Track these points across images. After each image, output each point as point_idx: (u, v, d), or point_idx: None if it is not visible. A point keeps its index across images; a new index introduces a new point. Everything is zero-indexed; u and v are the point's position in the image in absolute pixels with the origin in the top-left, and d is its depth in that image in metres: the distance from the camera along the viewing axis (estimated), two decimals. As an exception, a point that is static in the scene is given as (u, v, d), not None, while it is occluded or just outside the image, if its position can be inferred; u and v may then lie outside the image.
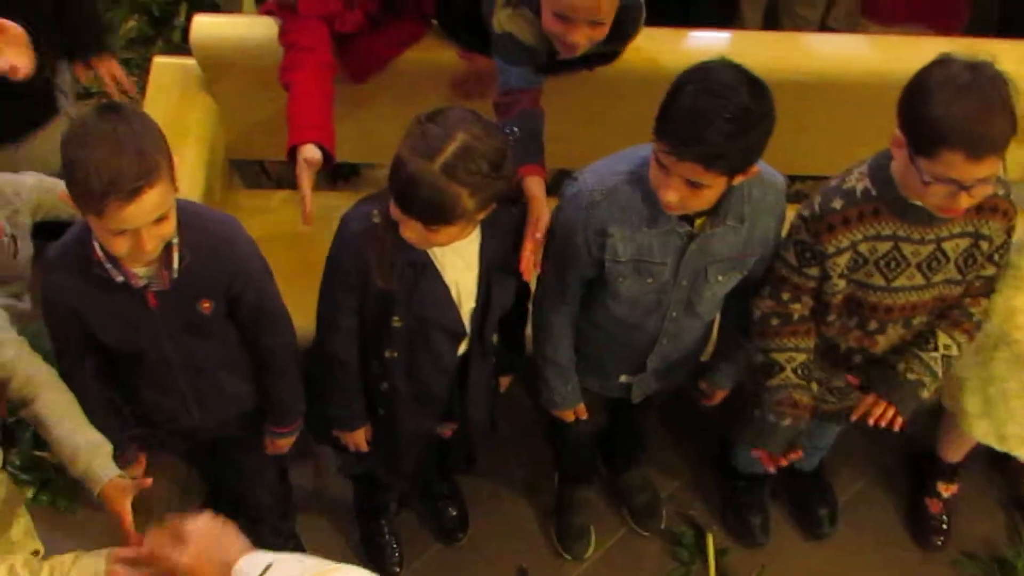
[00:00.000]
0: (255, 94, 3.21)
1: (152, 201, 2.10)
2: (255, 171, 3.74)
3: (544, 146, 2.71)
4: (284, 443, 2.80)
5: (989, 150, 2.21)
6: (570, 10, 2.58)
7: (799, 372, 2.66)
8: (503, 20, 2.75)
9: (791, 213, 2.58)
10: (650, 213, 2.41)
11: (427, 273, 2.46)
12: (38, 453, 3.29)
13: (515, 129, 2.68)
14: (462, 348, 2.66)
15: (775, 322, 2.63)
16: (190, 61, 3.25)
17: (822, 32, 3.81)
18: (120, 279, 2.29)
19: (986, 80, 2.23)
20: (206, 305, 2.40)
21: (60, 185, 2.15)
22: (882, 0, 3.75)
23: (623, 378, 2.85)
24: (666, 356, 2.76)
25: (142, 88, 3.40)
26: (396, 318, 2.53)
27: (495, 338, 2.69)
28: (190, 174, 3.05)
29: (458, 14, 3.08)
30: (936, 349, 2.65)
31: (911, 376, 2.65)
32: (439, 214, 2.25)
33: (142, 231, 2.14)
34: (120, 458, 2.48)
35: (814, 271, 2.53)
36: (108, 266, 2.28)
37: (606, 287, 2.58)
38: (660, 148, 2.27)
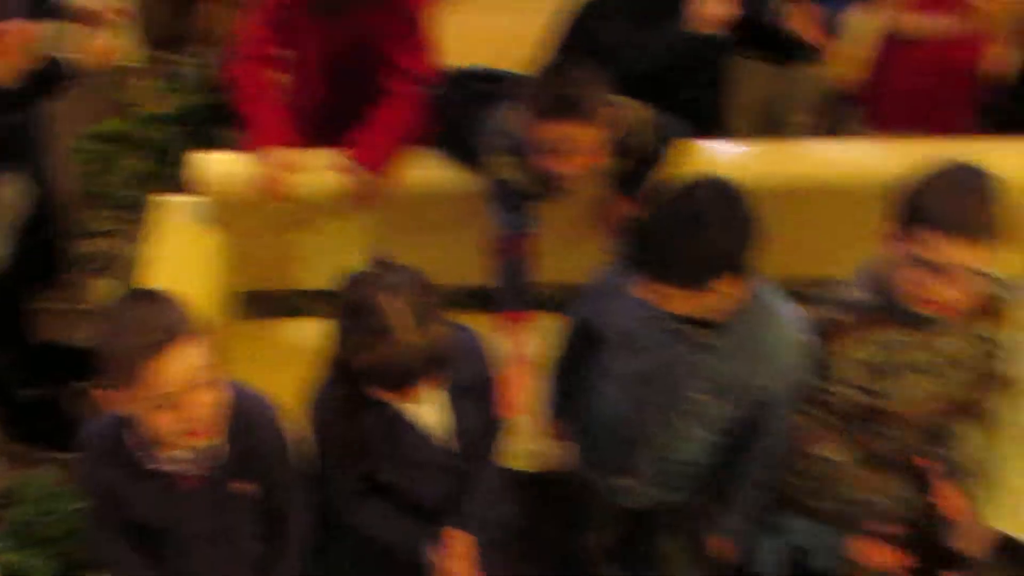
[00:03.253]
0: (260, 227, 3.26)
1: (184, 359, 2.10)
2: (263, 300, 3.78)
3: (530, 288, 2.75)
4: None
5: (964, 232, 2.26)
6: (559, 144, 2.65)
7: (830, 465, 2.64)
8: (498, 166, 2.81)
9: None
10: None
11: (402, 429, 2.47)
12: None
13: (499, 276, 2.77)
14: None
15: (807, 428, 2.62)
16: (191, 198, 3.31)
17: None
18: (152, 466, 2.30)
19: (975, 174, 2.32)
20: (240, 486, 2.41)
21: None
22: (888, 108, 3.81)
23: (620, 481, 2.83)
24: (659, 465, 2.73)
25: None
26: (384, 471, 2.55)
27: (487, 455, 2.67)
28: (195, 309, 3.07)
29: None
30: (956, 444, 2.68)
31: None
32: (437, 365, 2.28)
33: (184, 400, 2.13)
34: None
35: (827, 384, 2.55)
36: (140, 454, 2.29)
37: (603, 358, 2.61)
38: None
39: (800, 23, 3.50)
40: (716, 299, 2.35)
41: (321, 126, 3.30)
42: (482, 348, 2.57)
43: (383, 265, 2.29)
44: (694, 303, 2.35)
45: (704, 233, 2.24)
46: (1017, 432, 2.76)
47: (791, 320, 2.48)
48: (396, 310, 2.21)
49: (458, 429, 2.55)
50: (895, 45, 3.67)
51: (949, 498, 2.69)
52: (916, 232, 2.30)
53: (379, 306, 2.21)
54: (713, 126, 3.70)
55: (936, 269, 2.30)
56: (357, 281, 2.28)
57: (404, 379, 2.27)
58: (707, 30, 3.27)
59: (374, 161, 3.17)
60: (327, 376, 2.46)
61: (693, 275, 2.29)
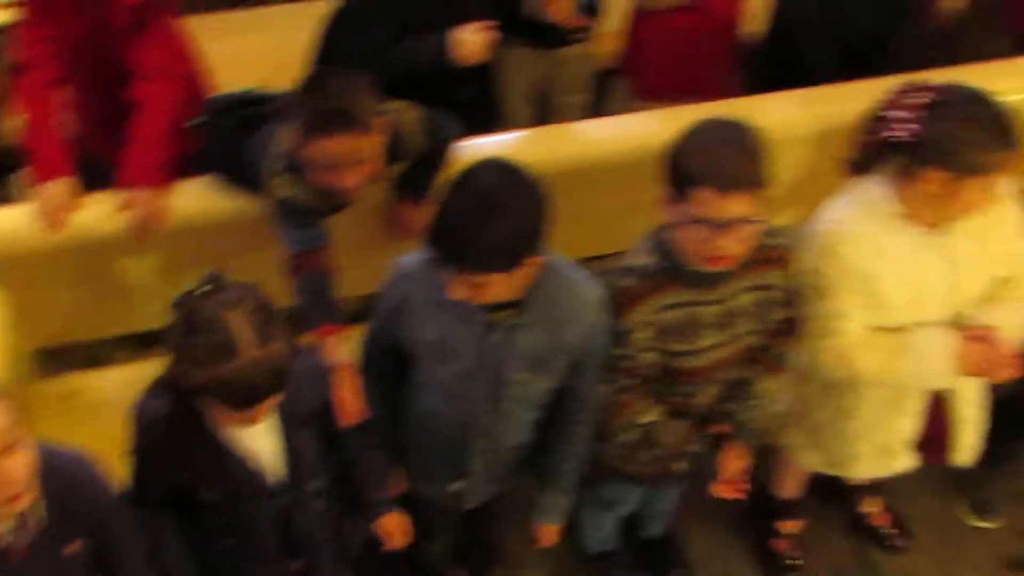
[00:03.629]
0: (46, 280, 3.17)
1: None
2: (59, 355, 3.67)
3: (336, 300, 2.76)
4: None
5: (737, 186, 2.36)
6: (333, 159, 2.65)
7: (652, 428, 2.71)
8: (279, 187, 2.79)
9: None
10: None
11: (223, 451, 2.43)
12: None
13: (302, 294, 2.75)
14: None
15: (619, 399, 2.68)
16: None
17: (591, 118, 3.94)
18: None
19: (734, 129, 2.41)
20: (71, 548, 2.33)
21: None
22: (650, 78, 3.93)
23: (454, 486, 2.86)
24: (490, 457, 2.77)
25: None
26: (204, 490, 2.50)
27: (318, 483, 2.64)
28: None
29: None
30: (755, 395, 2.77)
31: (747, 424, 2.76)
32: (279, 384, 2.24)
33: None
34: None
35: (626, 350, 2.61)
36: None
37: (414, 372, 2.62)
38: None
39: (557, 12, 3.57)
40: (524, 277, 2.40)
41: (104, 140, 3.24)
42: (324, 371, 2.56)
43: (218, 281, 2.24)
44: (509, 286, 2.39)
45: (505, 213, 2.27)
46: (811, 373, 2.91)
47: (584, 281, 2.54)
48: (238, 325, 2.16)
49: (293, 457, 2.52)
50: (647, 16, 3.81)
51: (731, 461, 2.79)
52: (690, 193, 2.38)
53: (220, 321, 2.16)
54: (492, 119, 3.76)
55: (716, 225, 2.39)
56: (193, 298, 2.21)
57: (250, 396, 2.22)
58: (471, 61, 3.32)
59: (146, 178, 3.09)
60: (152, 388, 2.41)
61: (509, 257, 2.32)
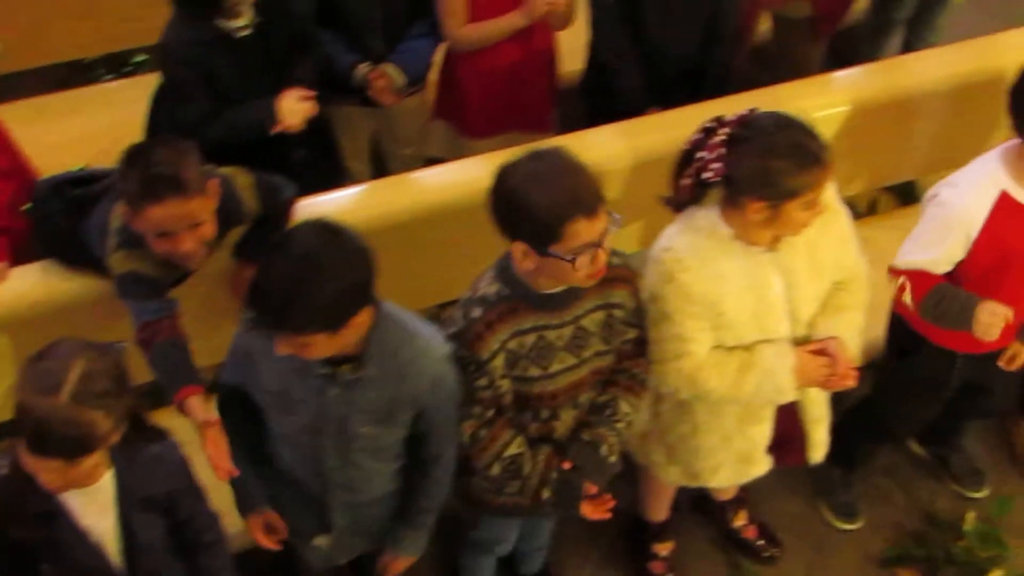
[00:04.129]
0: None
1: None
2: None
3: (193, 364, 2.74)
4: None
5: (594, 203, 2.43)
6: (166, 225, 2.64)
7: (517, 460, 2.72)
8: (119, 262, 2.77)
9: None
10: None
11: (61, 522, 2.40)
12: None
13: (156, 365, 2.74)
14: None
15: (483, 433, 2.69)
16: None
17: (428, 166, 3.95)
18: None
19: (556, 158, 2.46)
20: None
21: None
22: (473, 117, 3.97)
23: (318, 540, 2.84)
24: (353, 511, 2.76)
25: None
26: (46, 566, 2.46)
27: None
28: None
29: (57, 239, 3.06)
30: (617, 416, 2.81)
31: (603, 450, 2.79)
32: (79, 445, 2.22)
33: None
34: None
35: (484, 380, 2.63)
36: None
37: (268, 424, 2.62)
38: None
39: (383, 99, 3.71)
40: (354, 333, 2.41)
41: None
42: (180, 461, 2.53)
43: (86, 342, 2.27)
44: (336, 343, 2.40)
45: (323, 275, 2.28)
46: (664, 393, 2.97)
47: (425, 332, 2.56)
48: (74, 372, 2.18)
49: (136, 540, 2.49)
50: (461, 57, 3.86)
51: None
52: (560, 233, 2.41)
53: (63, 359, 2.20)
54: (333, 177, 3.78)
55: (596, 244, 2.45)
56: (60, 340, 2.26)
57: (40, 440, 2.20)
58: (292, 129, 3.37)
59: None
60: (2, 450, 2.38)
61: (333, 317, 2.33)
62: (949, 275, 3.06)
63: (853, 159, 3.81)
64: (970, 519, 3.76)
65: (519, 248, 2.48)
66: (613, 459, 2.83)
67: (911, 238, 3.08)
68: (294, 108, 3.34)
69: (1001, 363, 3.24)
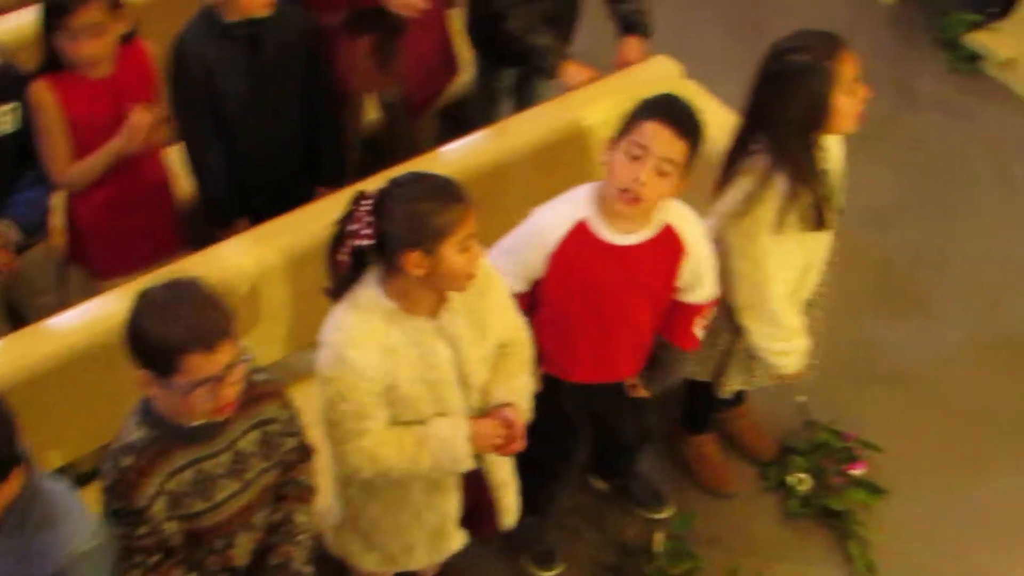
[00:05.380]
0: None
1: None
2: None
3: None
4: None
5: (220, 338, 2.44)
6: None
7: None
8: None
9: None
10: None
11: None
12: None
13: None
14: None
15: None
16: None
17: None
18: None
19: (186, 289, 2.47)
20: None
21: None
22: (100, 257, 3.88)
23: None
24: None
25: None
26: None
27: None
28: None
29: None
30: (296, 529, 2.81)
31: (294, 566, 2.78)
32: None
33: None
34: None
35: (145, 528, 2.57)
36: None
37: None
38: None
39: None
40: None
41: None
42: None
43: None
44: None
45: None
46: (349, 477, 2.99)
47: (72, 516, 2.43)
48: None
49: None
50: (75, 199, 3.77)
51: None
52: (178, 365, 2.41)
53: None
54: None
55: (217, 379, 2.44)
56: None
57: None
58: None
59: None
60: None
61: None
62: (531, 296, 3.23)
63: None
64: (659, 540, 3.92)
65: (143, 376, 2.47)
66: (308, 569, 2.83)
67: (498, 246, 3.22)
68: None
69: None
